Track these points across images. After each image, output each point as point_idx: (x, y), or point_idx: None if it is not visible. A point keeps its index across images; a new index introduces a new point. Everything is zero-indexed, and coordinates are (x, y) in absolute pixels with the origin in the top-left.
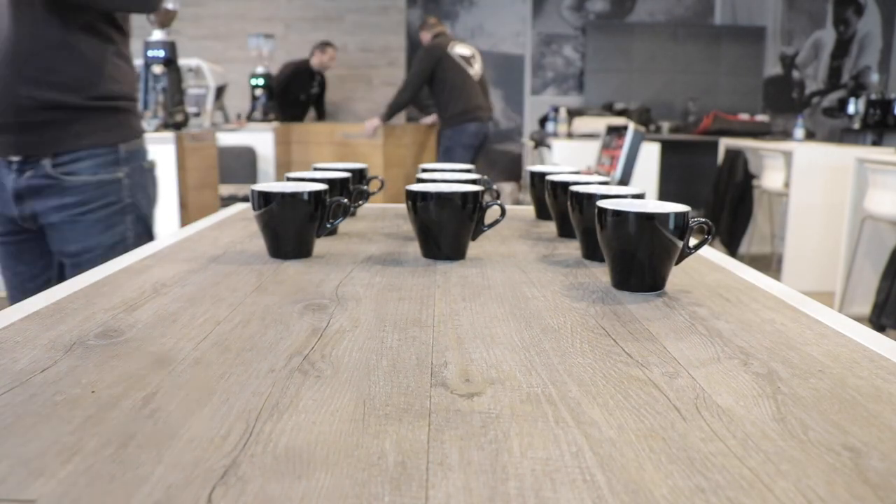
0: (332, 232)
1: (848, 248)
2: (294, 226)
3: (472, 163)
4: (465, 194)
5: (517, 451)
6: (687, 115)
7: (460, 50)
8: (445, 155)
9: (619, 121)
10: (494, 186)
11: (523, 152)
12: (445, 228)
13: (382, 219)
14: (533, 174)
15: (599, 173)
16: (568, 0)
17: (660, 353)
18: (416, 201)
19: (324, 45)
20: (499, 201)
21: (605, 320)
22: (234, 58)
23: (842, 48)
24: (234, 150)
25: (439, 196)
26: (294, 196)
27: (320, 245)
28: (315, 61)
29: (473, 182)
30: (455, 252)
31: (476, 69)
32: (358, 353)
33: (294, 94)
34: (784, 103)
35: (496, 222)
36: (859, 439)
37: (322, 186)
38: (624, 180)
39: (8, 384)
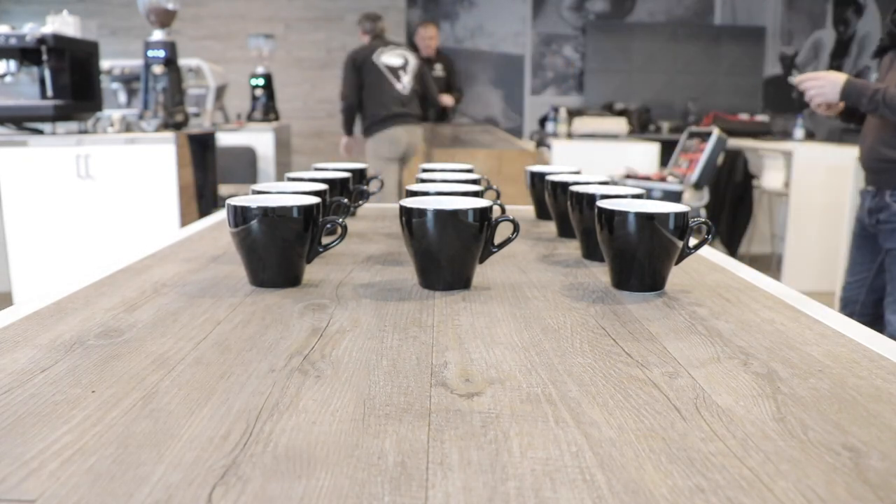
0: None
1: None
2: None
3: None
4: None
5: (517, 451)
6: (687, 115)
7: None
8: None
9: (615, 123)
10: (495, 187)
11: None
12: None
13: (382, 219)
14: (533, 174)
15: (674, 175)
16: (568, 0)
17: (660, 353)
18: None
19: (417, 27)
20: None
21: (605, 320)
22: (234, 58)
23: (842, 48)
24: (234, 150)
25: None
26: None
27: None
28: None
29: (475, 182)
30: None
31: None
32: (358, 353)
33: None
34: (784, 103)
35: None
36: (859, 439)
37: (315, 200)
38: (700, 183)
39: (8, 384)
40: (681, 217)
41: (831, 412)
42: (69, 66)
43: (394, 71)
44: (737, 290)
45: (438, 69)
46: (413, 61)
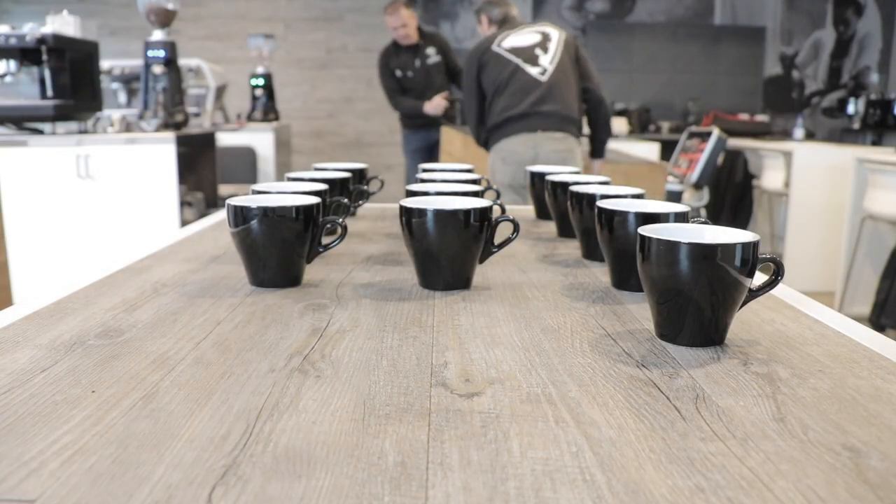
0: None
1: (848, 248)
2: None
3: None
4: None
5: (517, 451)
6: (687, 115)
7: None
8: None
9: (615, 123)
10: (494, 187)
11: None
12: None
13: (382, 219)
14: (533, 174)
15: (674, 175)
16: (568, 0)
17: (660, 353)
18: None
19: (386, 8)
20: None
21: (605, 320)
22: (234, 58)
23: (842, 48)
24: (234, 150)
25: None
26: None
27: None
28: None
29: (475, 182)
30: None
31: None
32: (358, 353)
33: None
34: (784, 103)
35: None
36: (859, 439)
37: (315, 200)
38: (700, 183)
39: (8, 384)
40: (681, 217)
41: (831, 412)
42: (69, 66)
43: (525, 52)
44: None
45: (432, 53)
46: (556, 34)
